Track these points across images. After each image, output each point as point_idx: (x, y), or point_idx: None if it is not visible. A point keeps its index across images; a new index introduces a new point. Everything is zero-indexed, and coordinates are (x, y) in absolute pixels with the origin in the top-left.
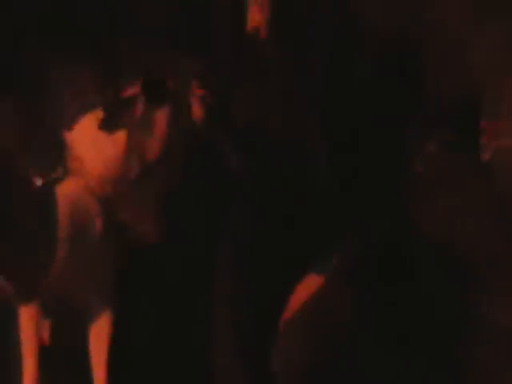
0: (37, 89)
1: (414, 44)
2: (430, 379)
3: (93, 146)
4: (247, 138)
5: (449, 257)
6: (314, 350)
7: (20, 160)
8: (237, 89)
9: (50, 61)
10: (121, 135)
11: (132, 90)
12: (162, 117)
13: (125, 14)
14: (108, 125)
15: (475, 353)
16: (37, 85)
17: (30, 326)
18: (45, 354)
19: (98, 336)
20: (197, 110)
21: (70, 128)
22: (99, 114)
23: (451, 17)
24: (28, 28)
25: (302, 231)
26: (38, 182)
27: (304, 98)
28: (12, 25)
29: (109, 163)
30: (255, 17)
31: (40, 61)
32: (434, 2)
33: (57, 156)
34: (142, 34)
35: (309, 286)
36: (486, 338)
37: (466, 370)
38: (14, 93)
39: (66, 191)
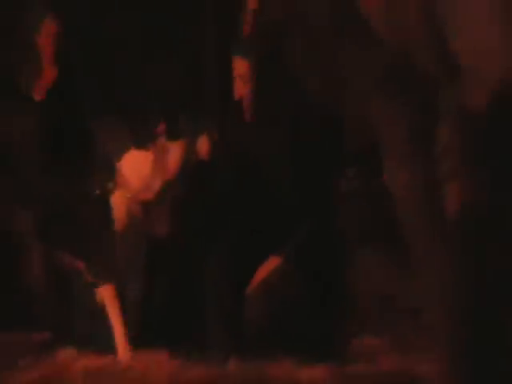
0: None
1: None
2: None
3: (132, 168)
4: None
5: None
6: (269, 308)
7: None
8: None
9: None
10: (149, 162)
11: (158, 130)
12: (177, 149)
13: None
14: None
15: None
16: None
17: (110, 301)
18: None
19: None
20: (203, 146)
21: (117, 158)
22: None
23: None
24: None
25: (267, 228)
26: (97, 192)
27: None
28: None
29: (141, 180)
30: (240, 89)
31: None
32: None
33: (109, 175)
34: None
35: (268, 266)
36: None
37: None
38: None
39: (117, 199)
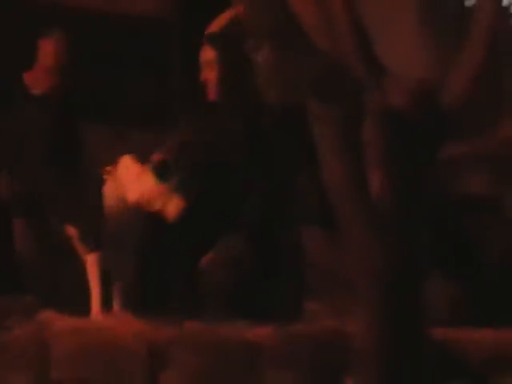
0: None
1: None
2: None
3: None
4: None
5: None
6: (224, 277)
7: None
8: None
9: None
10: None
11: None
12: None
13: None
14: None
15: None
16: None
17: (92, 268)
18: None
19: None
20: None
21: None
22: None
23: None
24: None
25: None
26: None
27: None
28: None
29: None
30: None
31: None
32: None
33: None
34: None
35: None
36: None
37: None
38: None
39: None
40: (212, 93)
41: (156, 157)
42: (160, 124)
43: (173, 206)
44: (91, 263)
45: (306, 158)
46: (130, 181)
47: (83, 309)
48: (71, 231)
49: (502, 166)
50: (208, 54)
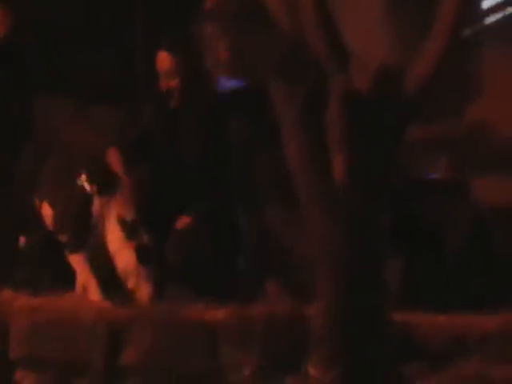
0: None
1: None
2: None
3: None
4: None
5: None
6: (185, 259)
7: None
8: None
9: None
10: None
11: None
12: None
13: None
14: None
15: None
16: None
17: (79, 267)
18: None
19: None
20: None
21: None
22: None
23: None
24: None
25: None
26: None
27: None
28: None
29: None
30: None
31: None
32: None
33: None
34: None
35: (184, 220)
36: None
37: None
38: None
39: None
40: (175, 100)
41: (125, 215)
42: (122, 100)
43: (144, 291)
44: (78, 262)
45: (267, 139)
46: (116, 247)
47: (43, 288)
48: (46, 211)
49: (464, 150)
50: (167, 62)
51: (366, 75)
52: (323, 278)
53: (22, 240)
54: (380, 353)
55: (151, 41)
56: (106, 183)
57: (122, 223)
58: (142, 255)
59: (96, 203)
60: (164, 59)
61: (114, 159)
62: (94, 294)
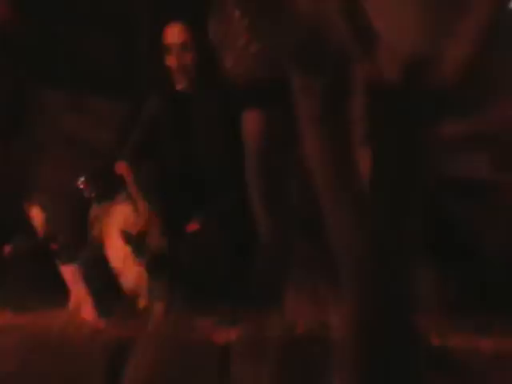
0: None
1: None
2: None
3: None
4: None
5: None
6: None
7: None
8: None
9: None
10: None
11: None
12: None
13: None
14: None
15: None
16: None
17: (71, 281)
18: None
19: None
20: None
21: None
22: None
23: None
24: None
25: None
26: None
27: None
28: None
29: None
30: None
31: None
32: None
33: None
34: None
35: (195, 223)
36: None
37: None
38: None
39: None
40: (182, 81)
41: (129, 227)
42: (124, 90)
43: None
44: (70, 275)
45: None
46: (121, 263)
47: (30, 304)
48: (36, 215)
49: (503, 147)
50: (180, 35)
51: (395, 63)
52: (347, 288)
53: (7, 249)
54: (407, 364)
55: (158, 24)
56: (107, 189)
57: (128, 237)
58: (155, 271)
59: (94, 210)
60: (176, 32)
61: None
62: (89, 311)
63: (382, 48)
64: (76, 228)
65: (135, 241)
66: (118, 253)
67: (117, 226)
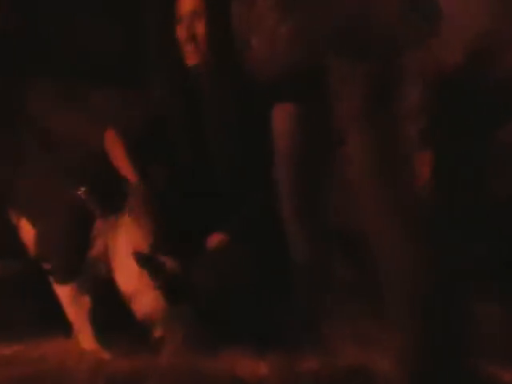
0: None
1: None
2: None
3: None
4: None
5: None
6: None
7: None
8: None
9: None
10: None
11: None
12: None
13: None
14: None
15: None
16: None
17: (68, 303)
18: None
19: None
20: None
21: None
22: None
23: None
24: None
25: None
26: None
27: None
28: None
29: None
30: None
31: None
32: None
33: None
34: None
35: (217, 237)
36: None
37: None
38: None
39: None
40: (194, 55)
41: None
42: (126, 80)
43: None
44: (66, 295)
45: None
46: (133, 288)
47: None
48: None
49: None
50: (190, 2)
51: (457, 49)
52: (395, 320)
53: None
54: None
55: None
56: (113, 199)
57: (141, 259)
58: (173, 296)
59: (98, 225)
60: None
61: (116, 152)
62: (88, 340)
63: (439, 31)
64: (74, 245)
65: (150, 262)
66: (128, 274)
67: (126, 242)
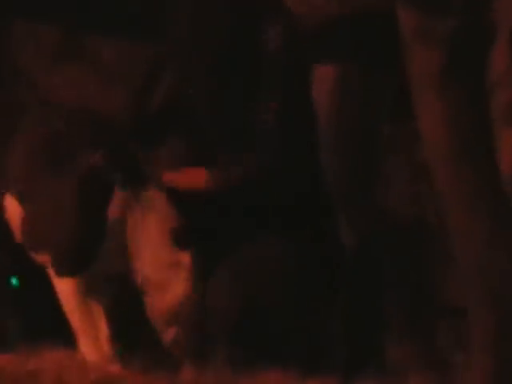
0: None
1: None
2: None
3: None
4: None
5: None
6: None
7: None
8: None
9: None
10: None
11: None
12: None
13: None
14: None
15: None
16: None
17: (68, 302)
18: None
19: None
20: None
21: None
22: None
23: None
24: None
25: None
26: None
27: None
28: None
29: None
30: None
31: None
32: None
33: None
34: None
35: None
36: None
37: None
38: None
39: None
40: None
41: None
42: (140, 32)
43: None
44: (67, 294)
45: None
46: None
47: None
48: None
49: None
50: None
51: None
52: (475, 337)
53: None
54: None
55: None
56: (135, 169)
57: (181, 237)
58: (181, 237)
59: (117, 201)
60: None
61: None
62: (93, 350)
63: None
64: (81, 228)
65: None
66: (157, 262)
67: (156, 222)
